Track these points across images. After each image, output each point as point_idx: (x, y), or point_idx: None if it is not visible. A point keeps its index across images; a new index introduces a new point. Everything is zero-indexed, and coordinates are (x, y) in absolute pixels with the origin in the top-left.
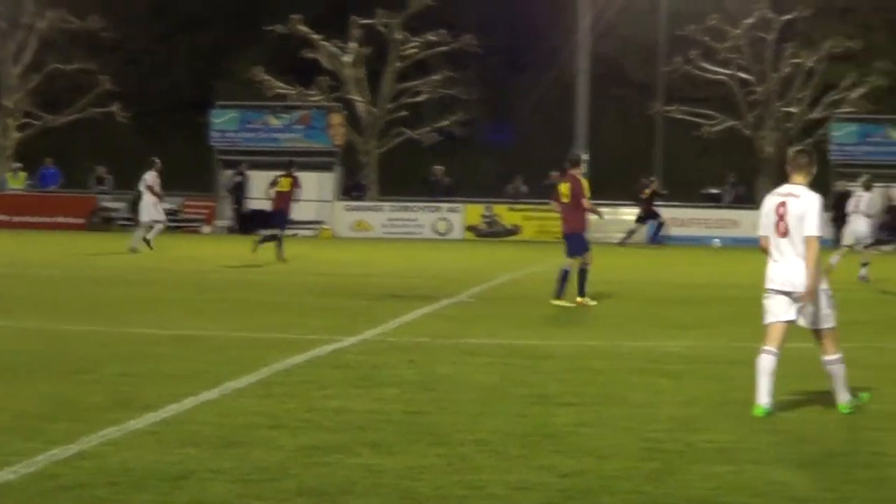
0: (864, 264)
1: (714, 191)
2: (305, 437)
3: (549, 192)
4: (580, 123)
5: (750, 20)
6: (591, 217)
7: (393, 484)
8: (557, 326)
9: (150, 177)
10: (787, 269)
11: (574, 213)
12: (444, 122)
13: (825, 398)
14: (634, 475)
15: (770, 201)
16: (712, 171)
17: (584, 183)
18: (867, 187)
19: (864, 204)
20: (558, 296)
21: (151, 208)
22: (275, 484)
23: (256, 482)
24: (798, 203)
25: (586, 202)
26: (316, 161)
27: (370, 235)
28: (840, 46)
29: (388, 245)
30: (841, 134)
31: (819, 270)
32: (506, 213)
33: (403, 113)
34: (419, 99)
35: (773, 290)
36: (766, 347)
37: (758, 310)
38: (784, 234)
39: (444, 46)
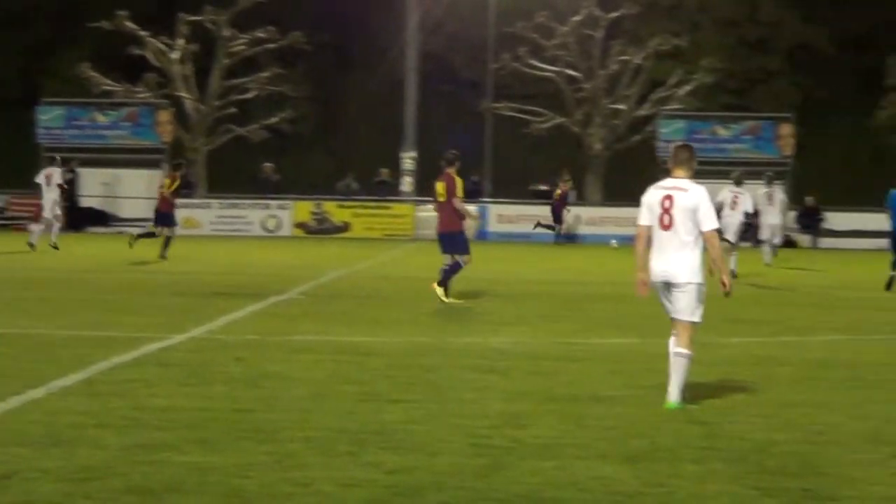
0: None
1: (543, 187)
2: (132, 436)
3: (377, 190)
4: (409, 121)
5: (577, 17)
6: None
7: (220, 482)
8: (386, 323)
9: (57, 174)
10: (666, 261)
11: (449, 212)
12: (273, 120)
13: (654, 393)
14: (463, 471)
15: (654, 194)
16: (542, 167)
17: (459, 182)
18: (738, 182)
19: (746, 201)
20: (442, 287)
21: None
22: (102, 482)
23: (83, 481)
24: (686, 197)
25: (457, 202)
26: (143, 158)
27: (198, 233)
28: (667, 44)
29: (217, 242)
30: (668, 130)
31: (719, 263)
32: (335, 210)
33: (232, 110)
34: (248, 96)
35: (655, 283)
36: (674, 332)
37: (579, 305)
38: (668, 227)
39: (272, 43)
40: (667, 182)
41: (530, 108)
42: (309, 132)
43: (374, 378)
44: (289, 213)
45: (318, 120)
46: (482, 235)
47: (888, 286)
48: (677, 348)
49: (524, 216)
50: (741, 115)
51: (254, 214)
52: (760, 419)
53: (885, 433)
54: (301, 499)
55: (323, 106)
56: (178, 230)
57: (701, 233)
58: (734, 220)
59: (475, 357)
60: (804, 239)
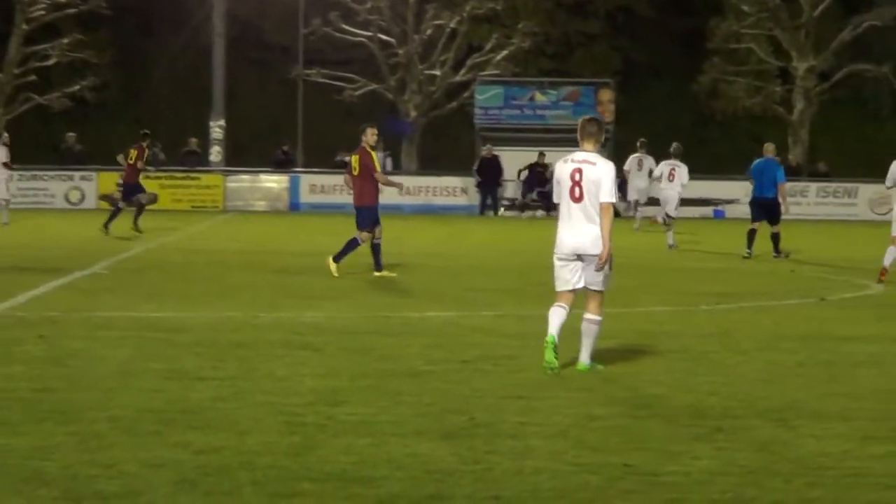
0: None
1: (346, 158)
2: None
3: (185, 160)
4: (217, 88)
5: None
6: (390, 189)
7: (20, 464)
8: (194, 298)
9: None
10: (578, 234)
11: (364, 186)
12: (75, 88)
13: (472, 368)
14: (274, 450)
15: (564, 168)
16: (356, 136)
17: (374, 156)
18: (676, 154)
19: (683, 174)
20: (378, 268)
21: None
22: None
23: None
24: (594, 169)
25: (380, 176)
26: None
27: None
28: (482, 7)
29: (18, 215)
30: (485, 97)
31: (607, 235)
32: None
33: (32, 78)
34: (48, 63)
35: (563, 255)
36: (558, 303)
37: (395, 277)
38: (578, 199)
39: (73, 8)
40: (577, 155)
41: (343, 74)
42: (113, 100)
43: (182, 355)
44: (93, 184)
45: (123, 88)
46: (294, 207)
47: (749, 250)
48: (589, 315)
49: (338, 186)
50: (560, 81)
51: (56, 186)
52: (581, 393)
53: (709, 406)
54: (105, 481)
55: (127, 73)
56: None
57: (599, 203)
58: (672, 192)
59: (287, 332)
60: (622, 206)
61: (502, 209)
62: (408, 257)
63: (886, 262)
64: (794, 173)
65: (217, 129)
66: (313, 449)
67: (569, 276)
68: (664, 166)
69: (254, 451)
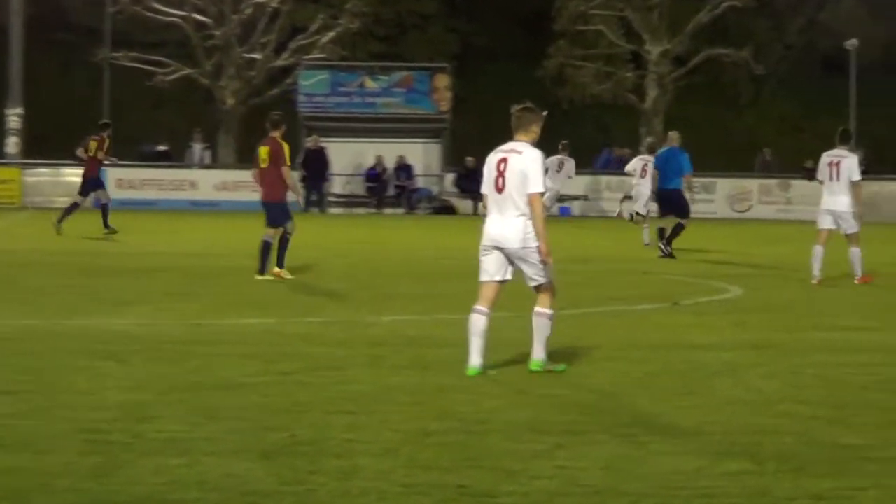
0: (646, 226)
1: (162, 148)
2: None
3: None
4: (14, 73)
5: None
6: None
7: None
8: None
9: None
10: (503, 225)
11: (273, 179)
12: None
13: (294, 380)
14: (75, 471)
15: (492, 158)
16: (170, 125)
17: (286, 147)
18: (651, 150)
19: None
20: (262, 271)
21: None
22: None
23: None
24: (519, 159)
25: (286, 171)
26: None
27: None
28: None
29: None
30: (310, 83)
31: (539, 228)
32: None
33: None
34: None
35: (488, 246)
36: (478, 307)
37: (210, 281)
38: (501, 189)
39: None
40: (506, 145)
41: (154, 57)
42: None
43: None
44: None
45: None
46: (96, 204)
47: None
48: (539, 308)
49: (149, 181)
50: (392, 66)
51: None
52: (413, 407)
53: (551, 420)
54: None
55: None
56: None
57: (527, 195)
58: (644, 189)
59: (90, 342)
60: (465, 205)
61: (331, 205)
62: (224, 259)
63: (857, 270)
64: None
65: (14, 117)
66: (119, 470)
67: (490, 268)
68: (637, 162)
69: (52, 473)
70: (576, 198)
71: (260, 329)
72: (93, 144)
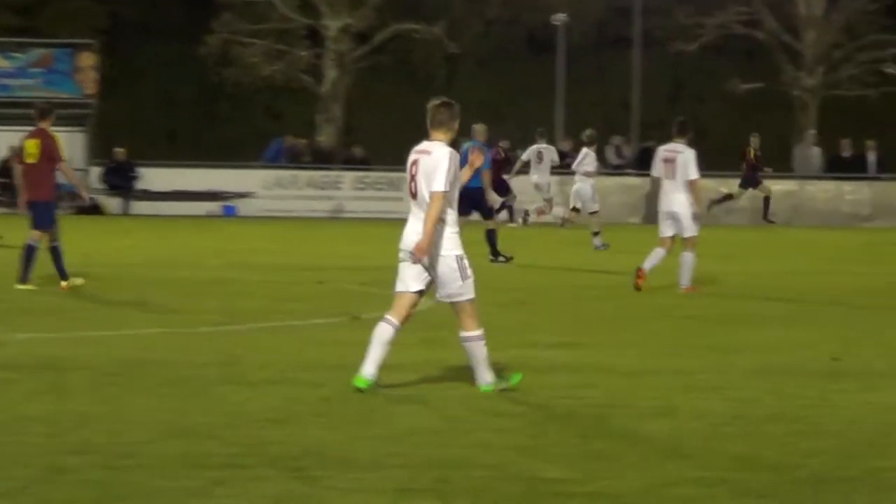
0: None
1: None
2: None
3: None
4: None
5: None
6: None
7: None
8: None
9: None
10: (410, 231)
11: (42, 177)
12: None
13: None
14: None
15: (408, 160)
16: None
17: (59, 140)
18: (591, 141)
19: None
20: (24, 279)
21: None
22: None
23: None
24: (428, 160)
25: (65, 167)
26: None
27: None
28: None
29: None
30: None
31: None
32: None
33: None
34: None
35: (401, 252)
36: (388, 317)
37: None
38: (414, 194)
39: None
40: (421, 146)
41: None
42: None
43: None
44: None
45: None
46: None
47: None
48: (462, 333)
49: None
50: (29, 42)
51: None
52: (48, 439)
53: (208, 453)
54: None
55: None
56: None
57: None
58: (586, 185)
59: None
60: (114, 203)
61: None
62: None
63: (647, 264)
64: (327, 159)
65: None
66: None
67: (405, 276)
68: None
69: None
70: (243, 195)
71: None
72: None
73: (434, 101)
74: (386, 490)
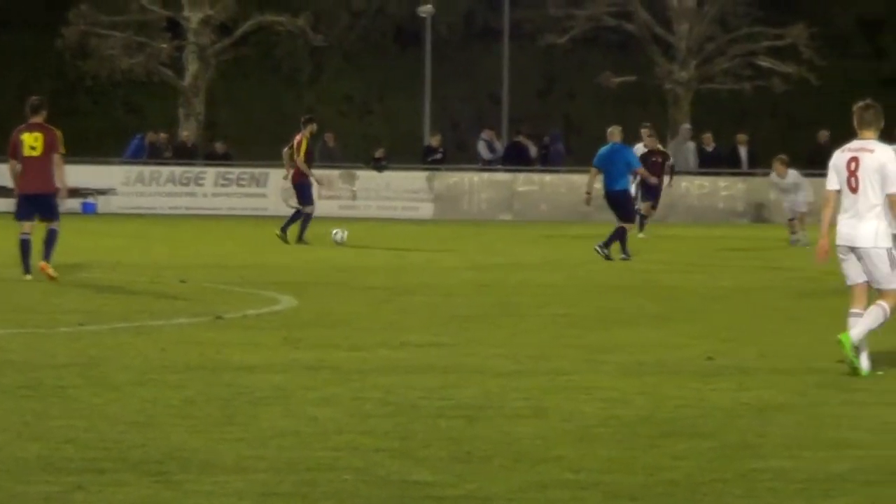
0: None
1: None
2: None
3: None
4: None
5: None
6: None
7: None
8: None
9: None
10: (850, 225)
11: (44, 170)
12: None
13: None
14: None
15: (840, 157)
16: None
17: (59, 134)
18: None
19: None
20: (28, 270)
21: None
22: None
23: None
24: (873, 158)
25: (59, 159)
26: None
27: None
28: None
29: None
30: None
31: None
32: None
33: None
34: None
35: (842, 247)
36: (853, 310)
37: None
38: (855, 189)
39: None
40: (855, 143)
41: None
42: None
43: None
44: None
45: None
46: None
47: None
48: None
49: None
50: None
51: None
52: None
53: (66, 457)
54: None
55: None
56: None
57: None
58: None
59: None
60: None
61: None
62: None
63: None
64: (189, 155)
65: None
66: None
67: (851, 272)
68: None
69: None
70: (103, 192)
71: None
72: None
73: (860, 103)
74: (250, 494)
